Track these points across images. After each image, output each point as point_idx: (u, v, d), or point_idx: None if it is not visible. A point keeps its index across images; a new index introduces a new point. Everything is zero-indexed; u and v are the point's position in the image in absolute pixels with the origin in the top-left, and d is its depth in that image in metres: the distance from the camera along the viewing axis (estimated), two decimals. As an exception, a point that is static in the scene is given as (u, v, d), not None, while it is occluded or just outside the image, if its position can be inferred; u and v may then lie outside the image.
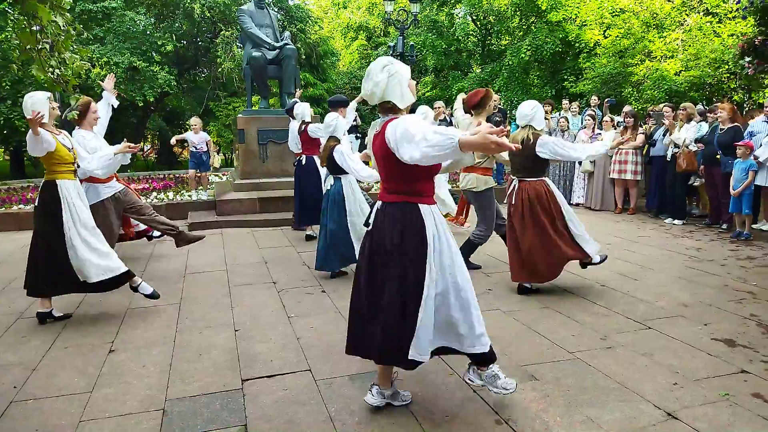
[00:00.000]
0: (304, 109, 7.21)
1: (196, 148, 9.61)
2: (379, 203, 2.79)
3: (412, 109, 3.16)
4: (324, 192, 5.61)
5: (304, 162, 7.15)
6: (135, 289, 4.52)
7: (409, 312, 2.67)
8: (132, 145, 4.86)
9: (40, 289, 4.32)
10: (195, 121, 9.96)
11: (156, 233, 6.31)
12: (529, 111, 4.68)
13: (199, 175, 10.04)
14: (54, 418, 2.92)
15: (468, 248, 5.47)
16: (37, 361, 3.63)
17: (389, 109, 2.70)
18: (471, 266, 5.55)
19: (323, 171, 5.78)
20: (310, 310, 4.55)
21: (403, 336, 2.67)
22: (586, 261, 4.94)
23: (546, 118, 9.84)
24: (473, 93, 5.14)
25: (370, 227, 2.81)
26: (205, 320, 4.35)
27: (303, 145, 7.19)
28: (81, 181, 4.72)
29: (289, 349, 3.77)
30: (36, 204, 4.36)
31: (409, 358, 2.70)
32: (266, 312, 4.53)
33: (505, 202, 5.08)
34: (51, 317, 4.41)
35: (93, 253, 4.26)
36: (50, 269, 4.24)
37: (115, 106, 5.56)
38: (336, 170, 5.34)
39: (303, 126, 7.10)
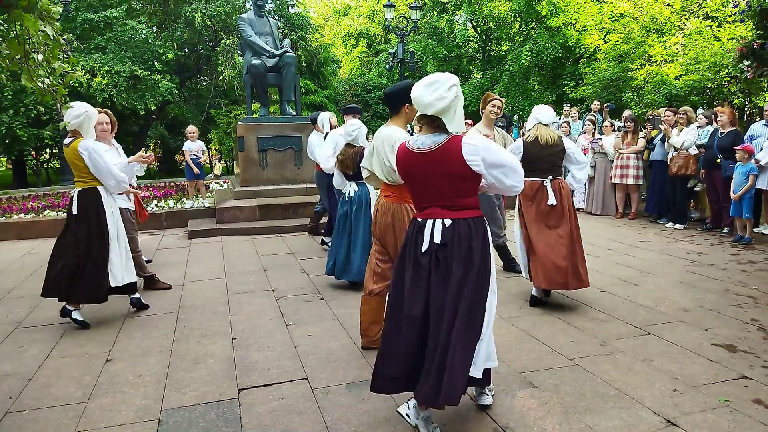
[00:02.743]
0: (323, 119, 7.03)
1: (196, 155, 9.61)
2: (445, 221, 2.68)
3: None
4: (346, 199, 5.38)
5: None
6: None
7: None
8: (146, 154, 4.90)
9: (99, 293, 4.44)
10: (191, 129, 9.91)
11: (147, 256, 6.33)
12: (550, 114, 4.81)
13: (197, 183, 10.00)
14: (49, 428, 2.90)
15: (504, 252, 5.74)
16: (33, 371, 3.62)
17: (436, 126, 2.68)
18: (515, 269, 5.62)
19: (337, 177, 5.55)
20: (309, 318, 4.53)
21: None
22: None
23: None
24: None
25: (431, 246, 2.70)
26: (203, 329, 4.34)
27: None
28: None
29: (286, 357, 3.75)
30: (75, 212, 4.39)
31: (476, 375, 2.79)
32: (264, 320, 4.51)
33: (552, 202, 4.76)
34: (71, 318, 4.41)
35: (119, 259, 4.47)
36: (81, 276, 4.33)
37: (140, 173, 5.27)
38: (360, 176, 5.26)
39: (326, 136, 6.94)
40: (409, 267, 2.78)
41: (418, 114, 2.75)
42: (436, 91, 2.60)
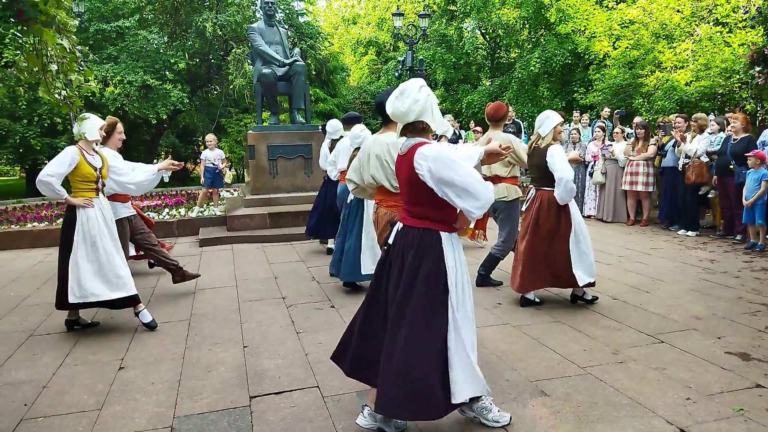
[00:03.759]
0: (336, 126, 7.06)
1: (213, 164, 9.71)
2: (399, 225, 2.76)
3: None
4: (347, 203, 5.54)
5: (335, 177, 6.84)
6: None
7: (433, 349, 2.60)
8: (176, 162, 4.99)
9: (62, 303, 4.44)
10: (211, 137, 10.07)
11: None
12: (540, 118, 4.78)
13: (211, 191, 10.12)
14: (63, 435, 2.93)
15: (491, 263, 5.53)
16: (47, 378, 3.66)
17: (421, 129, 2.69)
18: (492, 282, 5.56)
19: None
20: (319, 326, 4.54)
21: (432, 377, 2.58)
22: (576, 293, 4.95)
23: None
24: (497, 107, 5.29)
25: (387, 248, 2.78)
26: (214, 336, 4.36)
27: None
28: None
29: (297, 365, 3.76)
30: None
31: (455, 402, 2.62)
32: (275, 328, 4.53)
33: (522, 209, 5.07)
34: (78, 325, 4.58)
35: (88, 273, 4.29)
36: (65, 284, 4.35)
37: (165, 180, 5.34)
38: None
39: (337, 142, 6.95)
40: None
41: (401, 127, 2.73)
42: (408, 97, 2.63)
